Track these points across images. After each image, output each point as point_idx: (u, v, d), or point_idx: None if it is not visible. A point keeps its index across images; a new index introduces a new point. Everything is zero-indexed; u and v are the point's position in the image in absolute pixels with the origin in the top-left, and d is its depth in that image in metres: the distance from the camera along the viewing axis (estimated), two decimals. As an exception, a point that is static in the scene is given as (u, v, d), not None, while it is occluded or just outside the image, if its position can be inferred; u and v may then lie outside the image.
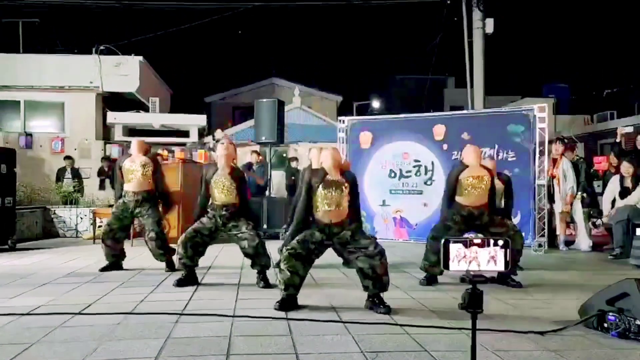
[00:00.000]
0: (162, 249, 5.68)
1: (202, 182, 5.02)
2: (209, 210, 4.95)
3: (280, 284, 3.94)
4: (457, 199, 4.98)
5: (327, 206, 3.95)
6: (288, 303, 3.91)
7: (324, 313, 3.81)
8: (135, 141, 5.95)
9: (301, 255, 3.91)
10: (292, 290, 3.92)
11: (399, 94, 28.80)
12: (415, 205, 8.71)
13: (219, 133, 13.36)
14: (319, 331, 3.36)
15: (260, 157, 10.25)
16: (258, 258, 4.79)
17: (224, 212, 4.84)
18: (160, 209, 5.86)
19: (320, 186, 3.95)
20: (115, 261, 5.78)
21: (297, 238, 3.98)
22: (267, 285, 4.79)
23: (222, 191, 4.86)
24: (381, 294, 3.93)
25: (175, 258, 5.27)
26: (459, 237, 2.24)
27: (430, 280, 4.99)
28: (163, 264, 5.80)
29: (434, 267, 4.88)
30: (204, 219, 4.89)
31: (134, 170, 5.67)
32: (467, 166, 4.97)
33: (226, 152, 4.97)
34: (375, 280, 3.85)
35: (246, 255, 4.84)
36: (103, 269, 5.66)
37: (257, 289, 4.75)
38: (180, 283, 4.83)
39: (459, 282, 5.01)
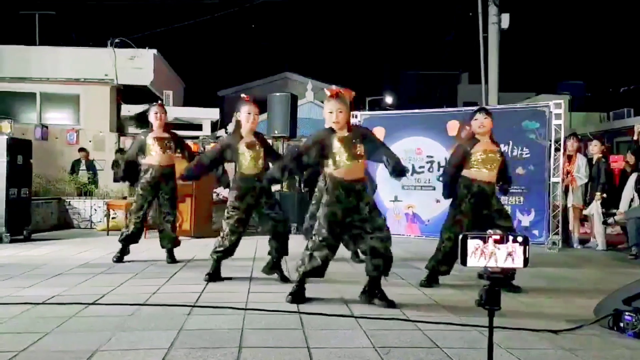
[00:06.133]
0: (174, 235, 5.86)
1: None
2: None
3: (301, 268, 3.92)
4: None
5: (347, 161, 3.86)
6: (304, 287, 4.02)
7: (336, 307, 3.81)
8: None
9: (333, 246, 3.92)
10: (317, 274, 3.93)
11: (412, 89, 28.65)
12: (428, 201, 8.67)
13: (231, 127, 13.38)
14: (331, 325, 3.36)
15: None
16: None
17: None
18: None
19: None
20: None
21: (324, 226, 3.88)
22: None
23: None
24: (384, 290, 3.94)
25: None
26: (477, 233, 2.21)
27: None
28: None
29: None
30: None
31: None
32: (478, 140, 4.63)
33: None
34: (385, 259, 3.84)
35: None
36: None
37: (269, 282, 4.74)
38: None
39: (470, 279, 4.97)
